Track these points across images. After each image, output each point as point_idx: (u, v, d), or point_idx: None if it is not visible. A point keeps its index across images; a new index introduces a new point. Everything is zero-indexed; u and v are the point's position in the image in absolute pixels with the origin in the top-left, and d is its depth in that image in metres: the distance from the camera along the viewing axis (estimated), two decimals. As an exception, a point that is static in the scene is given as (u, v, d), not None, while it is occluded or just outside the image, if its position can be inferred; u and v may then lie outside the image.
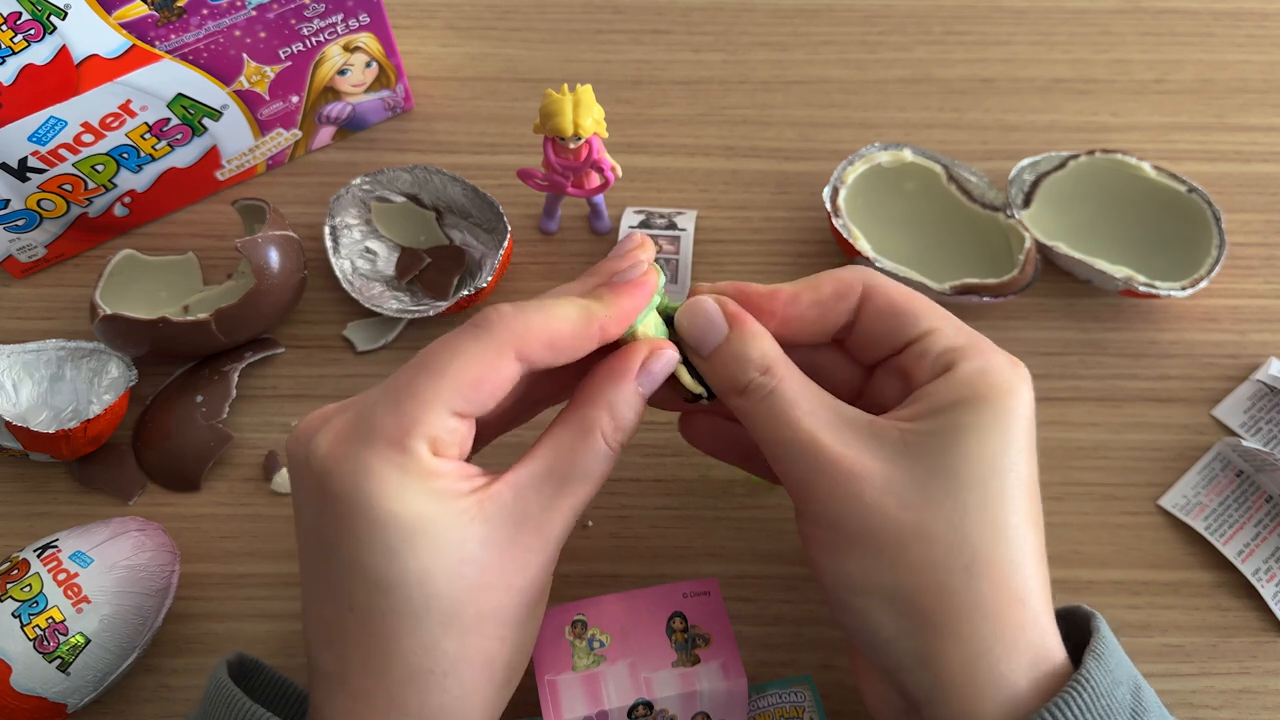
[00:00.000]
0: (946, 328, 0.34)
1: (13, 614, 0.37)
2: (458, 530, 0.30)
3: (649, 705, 0.35)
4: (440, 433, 0.30)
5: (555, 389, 0.36)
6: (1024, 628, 0.31)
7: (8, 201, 0.46)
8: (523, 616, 0.32)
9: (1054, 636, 0.32)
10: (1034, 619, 0.31)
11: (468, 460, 0.33)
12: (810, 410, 0.33)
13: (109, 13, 0.43)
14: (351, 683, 0.31)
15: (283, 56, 0.49)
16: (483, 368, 0.31)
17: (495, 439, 0.37)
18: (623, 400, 0.33)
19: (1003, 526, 0.31)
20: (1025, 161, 0.51)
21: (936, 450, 0.31)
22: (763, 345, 0.34)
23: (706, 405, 0.36)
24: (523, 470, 0.32)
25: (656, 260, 0.48)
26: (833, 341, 0.37)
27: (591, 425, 0.32)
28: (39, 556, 0.39)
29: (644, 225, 0.49)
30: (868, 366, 0.36)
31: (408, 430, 0.30)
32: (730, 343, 0.34)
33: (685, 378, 0.35)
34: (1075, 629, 0.33)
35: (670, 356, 0.34)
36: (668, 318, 0.35)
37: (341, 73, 0.52)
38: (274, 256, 0.46)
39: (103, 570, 0.39)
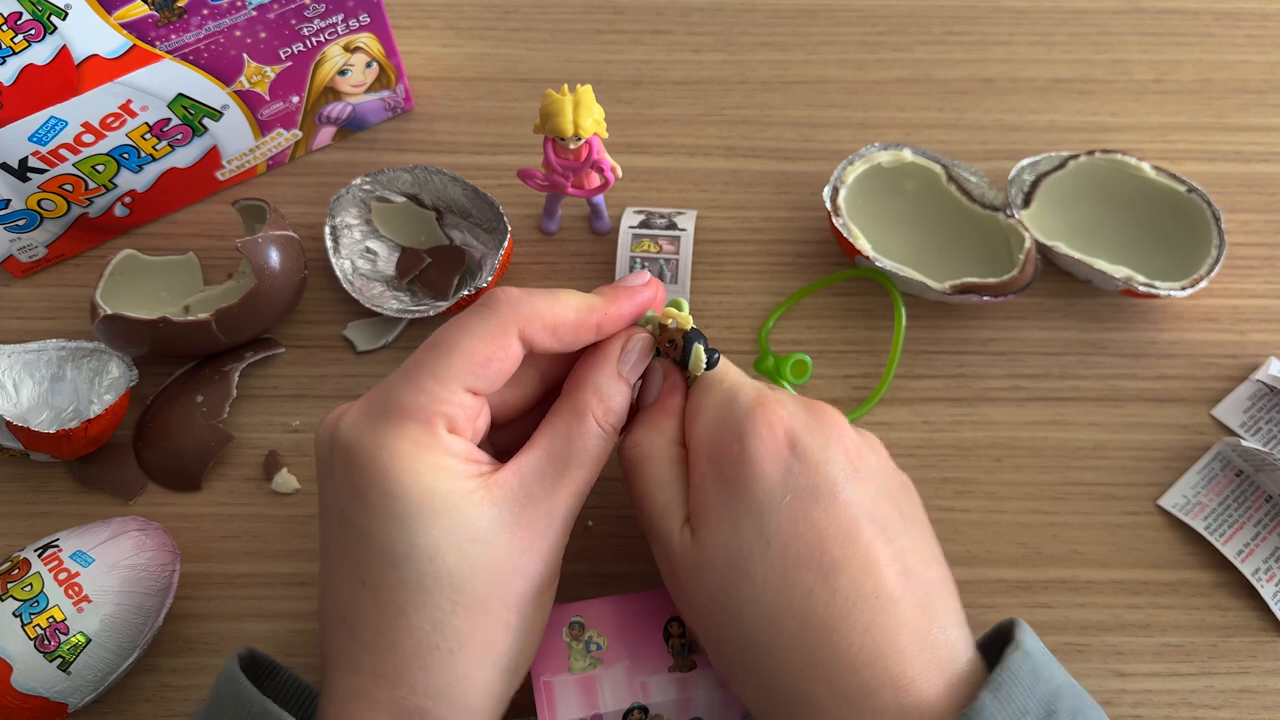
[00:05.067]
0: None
1: (14, 613, 0.37)
2: (468, 510, 0.31)
3: (644, 709, 0.35)
4: (455, 410, 0.32)
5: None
6: (863, 688, 0.30)
7: (8, 201, 0.46)
8: (528, 601, 0.32)
9: (910, 685, 0.30)
10: (874, 679, 0.30)
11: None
12: (652, 499, 0.35)
13: (109, 13, 0.43)
14: (360, 659, 0.31)
15: (283, 57, 0.49)
16: (491, 346, 0.32)
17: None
18: (607, 382, 0.35)
19: (779, 612, 0.31)
20: (1025, 161, 0.51)
21: (694, 556, 0.33)
22: (646, 430, 0.36)
23: None
24: (525, 457, 0.33)
25: (657, 259, 0.48)
26: None
27: (583, 409, 0.34)
28: (40, 556, 0.39)
29: (644, 225, 0.49)
30: None
31: (425, 406, 0.31)
32: (641, 412, 0.37)
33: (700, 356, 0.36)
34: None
35: (643, 336, 0.36)
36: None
37: (342, 73, 0.52)
38: (274, 256, 0.46)
39: (103, 570, 0.39)
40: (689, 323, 0.36)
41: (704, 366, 0.36)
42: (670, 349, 0.37)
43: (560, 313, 0.34)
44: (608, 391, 0.34)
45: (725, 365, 0.37)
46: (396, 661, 0.31)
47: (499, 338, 0.32)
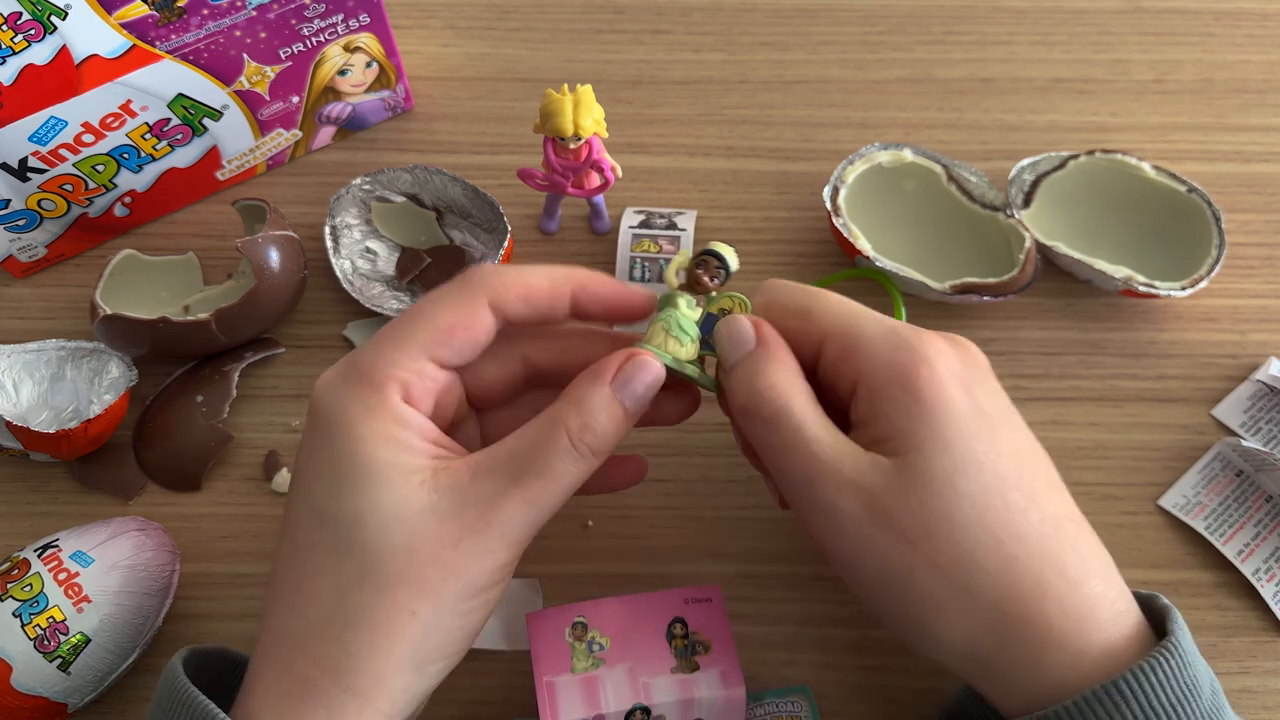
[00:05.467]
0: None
1: (13, 613, 0.37)
2: (405, 488, 0.30)
3: (646, 710, 0.35)
4: (412, 376, 0.31)
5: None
6: (1067, 616, 0.30)
7: (8, 201, 0.46)
8: (447, 597, 0.31)
9: (1108, 610, 0.31)
10: (1075, 605, 0.31)
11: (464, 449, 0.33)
12: (814, 438, 0.32)
13: (109, 13, 0.43)
14: (274, 619, 0.31)
15: (283, 56, 0.49)
16: (458, 315, 0.32)
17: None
18: (594, 400, 0.32)
19: (999, 531, 0.31)
20: (1025, 161, 0.51)
21: (901, 480, 0.31)
22: (775, 369, 0.33)
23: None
24: (486, 453, 0.32)
25: (657, 259, 0.48)
26: None
27: (558, 420, 0.32)
28: (39, 556, 0.39)
29: (644, 225, 0.50)
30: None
31: (382, 369, 0.31)
32: (749, 359, 0.33)
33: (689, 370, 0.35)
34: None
35: (647, 363, 0.33)
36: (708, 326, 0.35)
37: (342, 73, 0.52)
38: (274, 256, 0.46)
39: (103, 570, 0.39)
40: (687, 253, 0.36)
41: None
42: (707, 271, 0.35)
43: (534, 280, 0.33)
44: (591, 408, 0.32)
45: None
46: (296, 626, 0.30)
47: (466, 307, 0.32)
